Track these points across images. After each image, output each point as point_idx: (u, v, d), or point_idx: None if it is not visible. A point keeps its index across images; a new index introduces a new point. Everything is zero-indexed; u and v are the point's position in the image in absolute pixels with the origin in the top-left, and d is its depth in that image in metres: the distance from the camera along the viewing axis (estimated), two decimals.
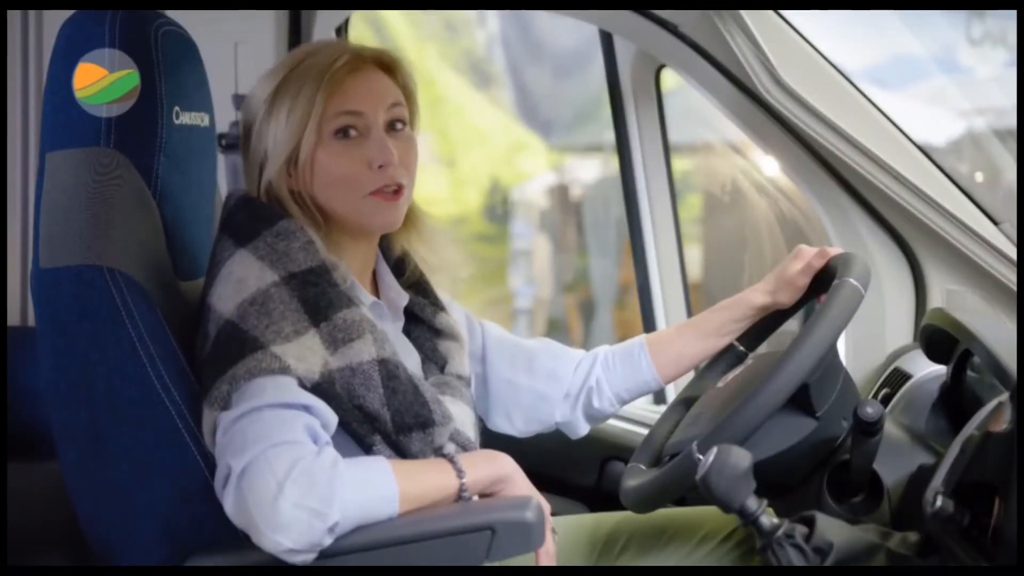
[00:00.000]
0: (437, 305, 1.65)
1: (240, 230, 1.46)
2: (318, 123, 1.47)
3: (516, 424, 1.75)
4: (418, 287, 1.65)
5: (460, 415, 1.54)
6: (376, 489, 1.34)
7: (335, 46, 1.53)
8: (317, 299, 1.41)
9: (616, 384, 1.76)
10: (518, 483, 1.45)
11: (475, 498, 1.42)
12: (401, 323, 1.63)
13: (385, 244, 1.63)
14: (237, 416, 1.33)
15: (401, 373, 1.45)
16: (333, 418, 1.39)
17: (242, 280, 1.41)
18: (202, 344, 1.42)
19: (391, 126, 1.51)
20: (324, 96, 1.47)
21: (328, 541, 1.29)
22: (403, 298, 1.62)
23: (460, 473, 1.40)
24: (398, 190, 1.49)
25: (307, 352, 1.38)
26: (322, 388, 1.39)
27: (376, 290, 1.61)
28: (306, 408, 1.35)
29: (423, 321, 1.65)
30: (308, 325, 1.40)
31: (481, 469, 1.43)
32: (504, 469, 1.44)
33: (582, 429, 1.79)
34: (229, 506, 1.30)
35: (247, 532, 1.29)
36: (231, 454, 1.31)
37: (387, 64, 1.54)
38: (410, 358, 1.59)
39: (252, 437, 1.30)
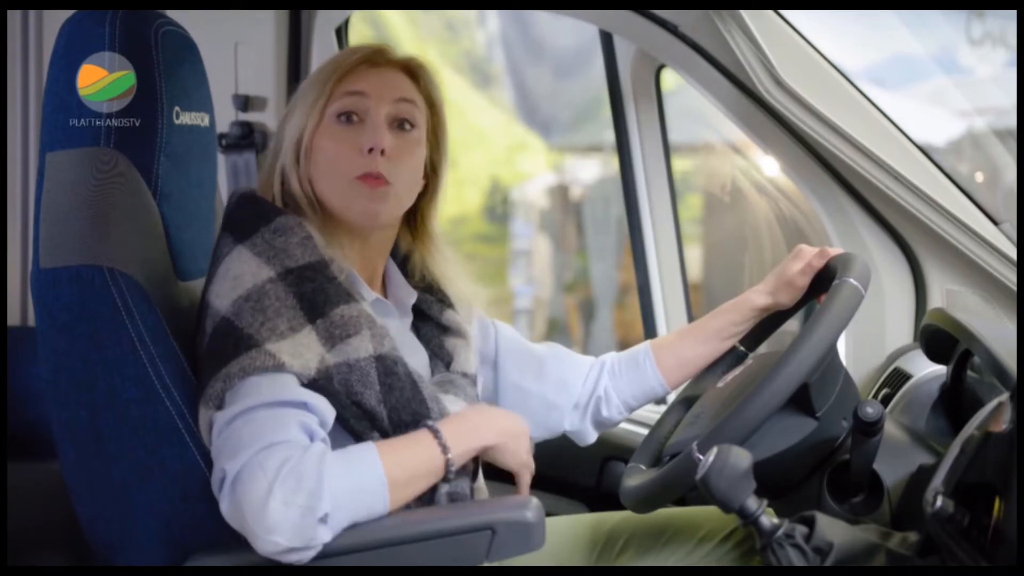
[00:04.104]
0: (444, 302, 1.66)
1: (240, 227, 1.46)
2: (324, 104, 1.49)
3: None
4: (426, 284, 1.65)
5: None
6: (363, 475, 1.34)
7: (368, 44, 1.55)
8: (314, 295, 1.41)
9: (624, 392, 1.76)
10: (507, 449, 1.46)
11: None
12: (409, 320, 1.63)
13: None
14: (231, 417, 1.33)
15: (399, 369, 1.45)
16: (331, 414, 1.39)
17: (239, 277, 1.41)
18: (200, 341, 1.43)
19: (398, 124, 1.52)
20: (335, 80, 1.50)
21: (324, 535, 1.29)
22: (411, 296, 1.63)
23: (445, 449, 1.41)
24: (379, 178, 1.48)
25: (303, 349, 1.38)
26: (319, 384, 1.39)
27: (384, 288, 1.62)
28: (303, 405, 1.35)
29: (431, 318, 1.65)
30: (304, 322, 1.40)
31: (465, 442, 1.43)
32: (486, 440, 1.45)
33: (590, 437, 1.79)
34: (225, 509, 1.30)
35: (244, 536, 1.29)
36: (226, 457, 1.31)
37: (412, 69, 1.56)
38: (416, 355, 1.59)
39: (246, 440, 1.30)
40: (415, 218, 1.63)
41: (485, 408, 1.55)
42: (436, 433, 1.42)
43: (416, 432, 1.43)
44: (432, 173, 1.61)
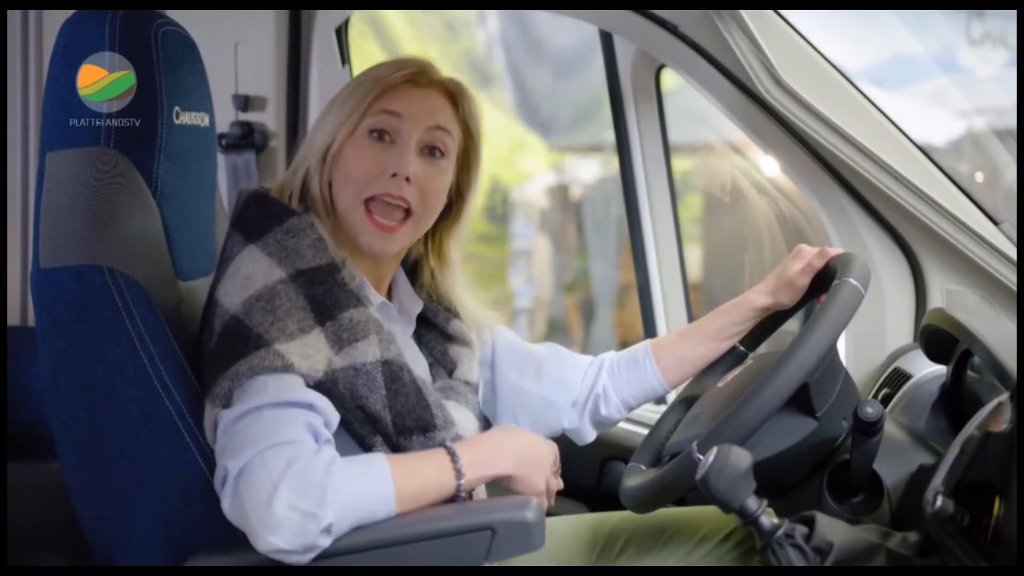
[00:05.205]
0: (450, 311, 1.65)
1: (250, 226, 1.46)
2: (359, 116, 1.49)
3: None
4: (432, 292, 1.65)
5: (463, 420, 1.54)
6: (372, 490, 1.34)
7: (412, 60, 1.55)
8: (324, 297, 1.42)
9: (623, 390, 1.76)
10: (523, 480, 1.45)
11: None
12: (412, 328, 1.63)
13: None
14: (238, 415, 1.33)
15: (405, 375, 1.45)
16: (335, 416, 1.39)
17: (249, 276, 1.41)
18: (207, 339, 1.42)
19: (429, 150, 1.52)
20: (375, 95, 1.50)
21: (324, 542, 1.29)
22: (417, 305, 1.63)
23: (459, 475, 1.40)
24: (405, 217, 1.49)
25: (311, 350, 1.38)
26: (325, 387, 1.39)
27: (390, 293, 1.62)
28: (309, 406, 1.35)
29: (435, 326, 1.65)
30: (313, 323, 1.40)
31: (481, 469, 1.43)
32: (503, 469, 1.44)
33: (589, 436, 1.78)
34: (226, 506, 1.30)
35: (244, 532, 1.29)
36: (230, 454, 1.31)
37: (452, 91, 1.56)
38: (417, 362, 1.59)
39: (252, 438, 1.30)
40: (434, 237, 1.64)
41: (511, 432, 1.51)
42: (454, 457, 1.41)
43: (434, 451, 1.43)
44: (457, 197, 1.61)
